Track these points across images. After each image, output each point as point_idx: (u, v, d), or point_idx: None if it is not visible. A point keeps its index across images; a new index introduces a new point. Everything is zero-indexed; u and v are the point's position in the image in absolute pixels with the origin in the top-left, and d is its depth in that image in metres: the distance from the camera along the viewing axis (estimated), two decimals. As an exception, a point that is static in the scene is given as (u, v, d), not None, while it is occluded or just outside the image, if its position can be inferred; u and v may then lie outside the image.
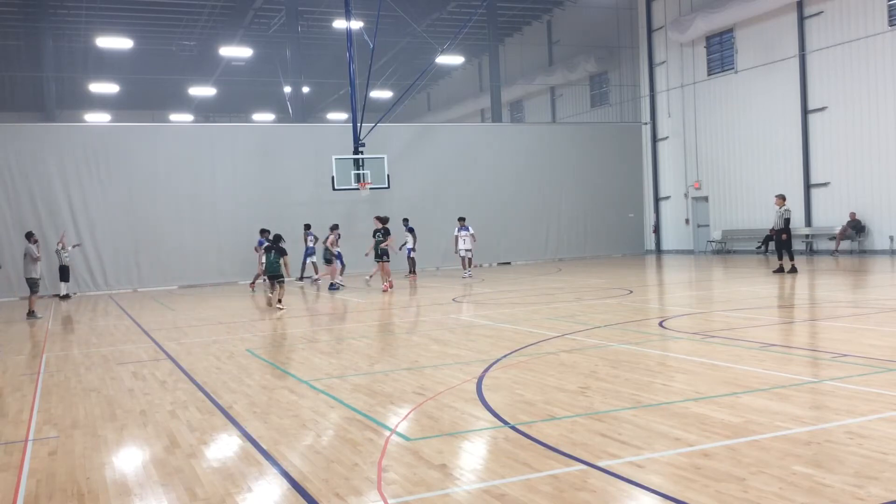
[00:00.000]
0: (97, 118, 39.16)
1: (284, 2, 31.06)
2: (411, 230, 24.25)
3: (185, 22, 34.99)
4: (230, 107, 46.19)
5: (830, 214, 25.38)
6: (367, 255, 21.40)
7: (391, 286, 19.50)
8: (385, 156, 25.52)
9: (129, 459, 5.66)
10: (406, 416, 6.42)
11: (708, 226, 30.37)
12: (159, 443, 5.96)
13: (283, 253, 16.66)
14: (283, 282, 16.69)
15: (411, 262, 24.16)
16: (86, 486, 5.00)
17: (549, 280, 20.72)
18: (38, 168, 24.38)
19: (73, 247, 23.83)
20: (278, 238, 17.12)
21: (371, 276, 22.04)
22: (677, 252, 31.62)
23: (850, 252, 24.47)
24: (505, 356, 8.98)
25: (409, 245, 24.08)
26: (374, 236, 20.15)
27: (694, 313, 12.53)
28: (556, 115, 38.78)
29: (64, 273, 23.25)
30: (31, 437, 6.40)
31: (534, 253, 30.38)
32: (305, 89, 36.15)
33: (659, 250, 32.70)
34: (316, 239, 23.75)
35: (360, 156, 24.99)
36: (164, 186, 25.57)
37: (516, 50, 40.03)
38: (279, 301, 16.50)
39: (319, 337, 11.77)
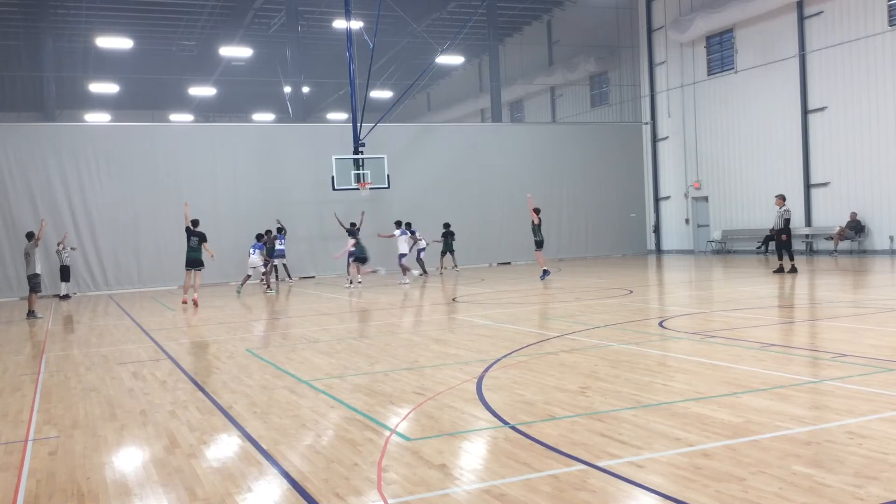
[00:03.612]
0: (97, 118, 39.13)
1: (284, 2, 31.06)
2: (413, 233, 24.21)
3: (185, 22, 34.99)
4: (230, 107, 46.18)
5: (830, 214, 25.38)
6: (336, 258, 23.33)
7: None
8: (385, 156, 25.54)
9: (129, 459, 5.66)
10: (406, 416, 6.42)
11: (708, 226, 30.37)
12: (159, 443, 5.95)
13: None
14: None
15: (420, 262, 24.22)
16: (86, 486, 5.00)
17: (549, 280, 20.71)
18: (38, 168, 24.39)
19: (72, 249, 23.86)
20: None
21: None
22: (677, 252, 31.63)
23: (850, 252, 24.47)
24: (505, 356, 8.97)
25: (421, 246, 24.13)
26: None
27: (694, 313, 12.53)
28: (556, 115, 38.77)
29: (64, 273, 23.29)
30: (31, 437, 6.39)
31: (534, 253, 30.33)
32: (305, 89, 36.15)
33: (659, 250, 32.71)
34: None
35: (360, 156, 25.01)
36: (164, 186, 25.56)
37: (516, 50, 40.03)
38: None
39: (319, 337, 11.77)
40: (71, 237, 24.27)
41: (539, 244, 20.77)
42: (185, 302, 17.84)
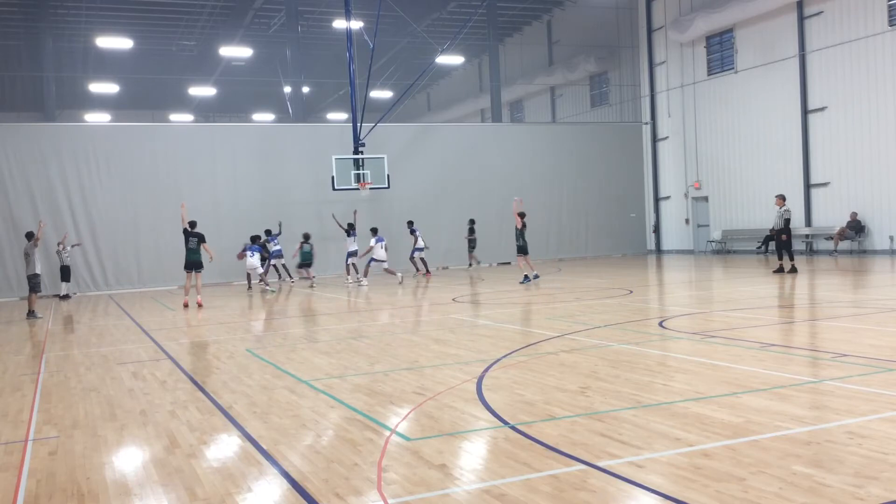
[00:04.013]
0: (97, 118, 39.15)
1: (284, 2, 31.07)
2: (414, 231, 24.26)
3: (185, 22, 35.00)
4: (230, 107, 46.19)
5: (830, 214, 25.39)
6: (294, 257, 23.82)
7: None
8: (385, 156, 25.54)
9: (129, 459, 5.66)
10: (406, 416, 6.42)
11: (708, 226, 30.37)
12: (159, 443, 5.95)
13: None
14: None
15: (421, 262, 24.23)
16: (86, 486, 5.00)
17: (549, 280, 20.71)
18: (38, 168, 24.38)
19: (73, 246, 23.87)
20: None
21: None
22: (677, 252, 31.63)
23: (850, 252, 24.47)
24: (505, 356, 8.97)
25: (419, 245, 24.14)
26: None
27: (694, 313, 12.53)
28: (556, 115, 38.77)
29: (65, 273, 23.28)
30: (31, 437, 6.39)
31: (534, 253, 30.24)
32: (305, 89, 36.16)
33: (659, 250, 32.71)
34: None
35: (360, 156, 25.02)
36: (164, 186, 25.55)
37: (516, 50, 40.03)
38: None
39: (319, 337, 11.77)
40: (71, 237, 24.26)
41: (522, 249, 20.04)
42: (186, 305, 17.73)
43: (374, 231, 22.98)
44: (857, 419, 5.57)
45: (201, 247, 17.54)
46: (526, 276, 20.08)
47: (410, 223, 24.62)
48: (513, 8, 36.13)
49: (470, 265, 27.33)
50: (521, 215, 20.03)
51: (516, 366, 8.37)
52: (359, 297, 18.86)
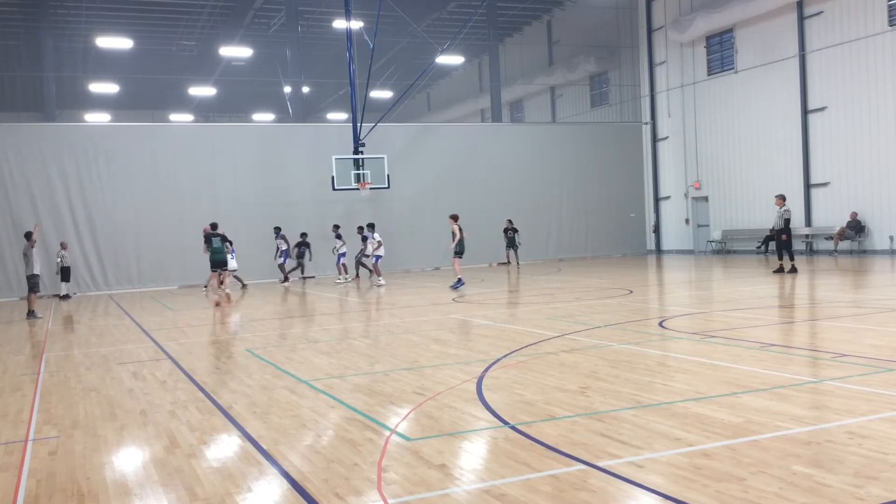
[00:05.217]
0: (97, 118, 39.14)
1: (284, 2, 31.07)
2: (365, 237, 23.77)
3: (185, 22, 34.99)
4: (230, 107, 46.19)
5: (830, 214, 25.38)
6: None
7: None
8: (385, 156, 25.54)
9: (129, 459, 5.66)
10: (406, 416, 6.42)
11: (708, 226, 30.37)
12: (159, 443, 5.95)
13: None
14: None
15: (343, 267, 24.04)
16: (86, 486, 5.00)
17: (549, 280, 20.72)
18: (38, 168, 24.38)
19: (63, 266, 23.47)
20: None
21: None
22: (677, 252, 31.63)
23: (850, 252, 24.47)
24: (505, 356, 8.97)
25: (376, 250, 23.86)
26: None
27: (694, 313, 12.53)
28: (556, 115, 38.77)
29: (64, 273, 23.27)
30: (31, 437, 6.39)
31: (534, 253, 30.38)
32: (305, 89, 36.16)
33: (659, 250, 32.71)
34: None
35: (360, 156, 25.02)
36: (164, 186, 25.57)
37: (516, 50, 40.03)
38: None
39: (319, 337, 11.77)
40: (70, 240, 24.11)
41: (459, 253, 19.46)
42: (218, 304, 17.96)
43: (362, 229, 23.07)
44: (857, 419, 5.57)
45: (224, 245, 18.12)
46: (459, 280, 19.49)
47: (371, 226, 23.34)
48: (513, 8, 36.12)
49: (509, 262, 27.65)
50: (455, 218, 19.45)
51: (516, 366, 8.37)
52: (357, 296, 18.86)
